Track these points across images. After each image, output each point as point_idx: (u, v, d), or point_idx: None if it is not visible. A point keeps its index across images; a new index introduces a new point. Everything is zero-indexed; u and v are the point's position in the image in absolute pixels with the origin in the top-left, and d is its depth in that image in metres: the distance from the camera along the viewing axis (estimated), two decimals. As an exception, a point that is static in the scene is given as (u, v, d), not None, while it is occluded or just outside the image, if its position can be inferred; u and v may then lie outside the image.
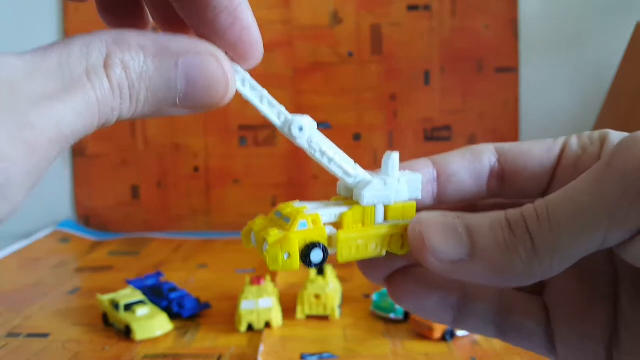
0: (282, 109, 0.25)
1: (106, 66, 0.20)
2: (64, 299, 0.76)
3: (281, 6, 1.13)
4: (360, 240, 0.25)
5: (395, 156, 0.26)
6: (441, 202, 0.28)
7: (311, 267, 0.24)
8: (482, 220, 0.23)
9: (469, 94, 1.15)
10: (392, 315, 0.66)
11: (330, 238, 0.25)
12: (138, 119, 0.21)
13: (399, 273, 0.27)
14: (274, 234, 0.24)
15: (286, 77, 1.15)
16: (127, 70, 0.20)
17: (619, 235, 0.21)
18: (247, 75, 0.25)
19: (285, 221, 0.25)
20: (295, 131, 0.25)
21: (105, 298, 0.67)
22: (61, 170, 1.17)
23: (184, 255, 0.97)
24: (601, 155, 0.25)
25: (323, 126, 1.15)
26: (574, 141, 0.26)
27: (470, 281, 0.24)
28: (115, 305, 0.65)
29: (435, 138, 1.16)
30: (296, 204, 0.26)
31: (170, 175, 1.16)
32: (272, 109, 0.25)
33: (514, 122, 1.15)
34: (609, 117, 0.93)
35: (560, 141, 0.27)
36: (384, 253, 0.26)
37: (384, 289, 0.71)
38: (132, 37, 0.20)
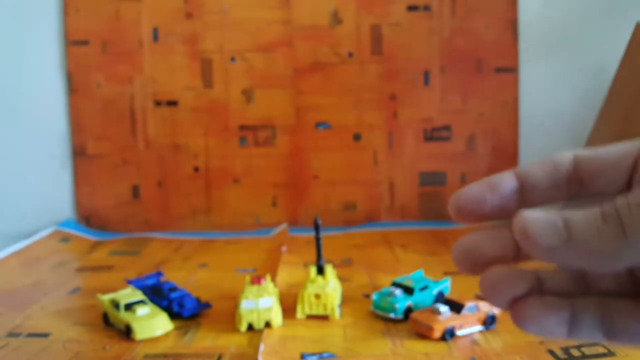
0: None
1: None
2: (65, 298, 0.76)
3: (281, 6, 1.14)
4: None
5: None
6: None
7: None
8: (579, 212, 0.25)
9: (468, 94, 1.15)
10: (392, 315, 0.66)
11: None
12: None
13: (520, 301, 0.29)
14: None
15: (286, 77, 1.15)
16: None
17: None
18: None
19: None
20: None
21: (106, 298, 0.67)
22: (61, 170, 1.17)
23: (184, 255, 0.98)
24: None
25: (323, 126, 1.15)
26: None
27: (566, 265, 0.26)
28: (115, 305, 0.65)
29: (435, 138, 1.16)
30: None
31: (170, 175, 1.16)
32: None
33: (513, 122, 1.16)
34: (608, 117, 0.93)
35: (638, 142, 0.29)
36: None
37: (384, 289, 0.72)
38: None
